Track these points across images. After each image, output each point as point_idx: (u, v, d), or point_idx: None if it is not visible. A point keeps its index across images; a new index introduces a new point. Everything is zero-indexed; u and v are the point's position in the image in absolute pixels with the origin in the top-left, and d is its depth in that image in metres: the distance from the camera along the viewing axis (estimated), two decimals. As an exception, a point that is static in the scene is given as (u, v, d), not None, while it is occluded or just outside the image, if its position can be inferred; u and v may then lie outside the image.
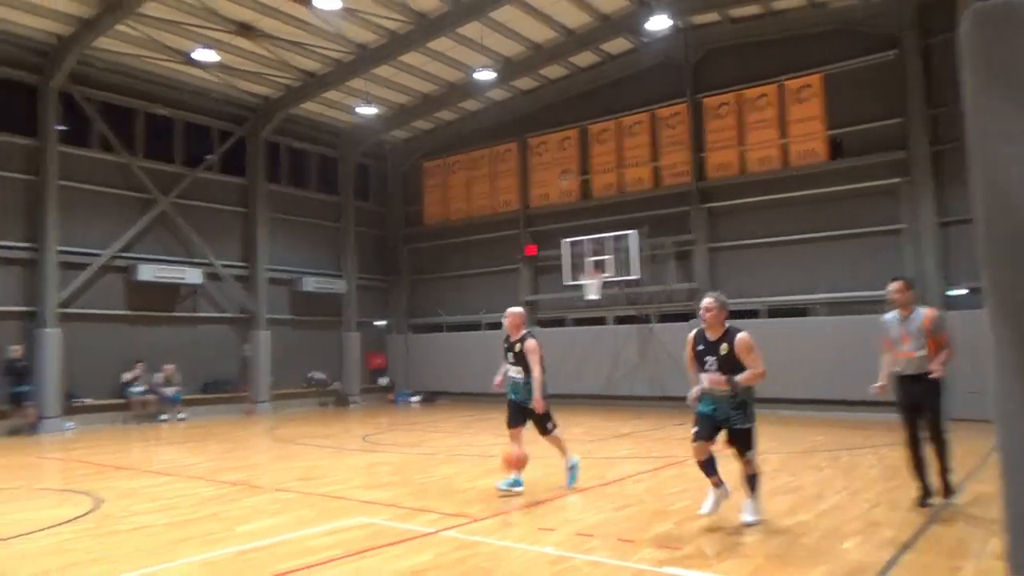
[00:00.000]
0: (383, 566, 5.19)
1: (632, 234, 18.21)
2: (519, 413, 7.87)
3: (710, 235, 18.44)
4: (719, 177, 18.33)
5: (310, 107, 21.22)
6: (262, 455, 12.31)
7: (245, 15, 16.37)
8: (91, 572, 5.16)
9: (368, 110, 20.62)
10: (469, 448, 8.18)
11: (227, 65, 18.35)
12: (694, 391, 6.19)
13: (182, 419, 17.81)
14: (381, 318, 24.66)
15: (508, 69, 19.60)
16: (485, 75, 18.61)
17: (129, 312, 18.19)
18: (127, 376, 17.53)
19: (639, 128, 19.71)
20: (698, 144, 18.66)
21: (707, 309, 6.17)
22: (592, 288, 18.39)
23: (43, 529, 6.58)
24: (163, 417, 17.65)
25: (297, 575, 5.02)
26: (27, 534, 6.42)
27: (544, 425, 7.80)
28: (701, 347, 6.21)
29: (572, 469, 7.96)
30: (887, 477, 8.25)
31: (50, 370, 16.08)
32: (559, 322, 21.06)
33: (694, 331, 6.36)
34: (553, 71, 20.49)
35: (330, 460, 10.93)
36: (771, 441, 11.83)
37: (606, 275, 18.24)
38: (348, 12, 16.28)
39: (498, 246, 22.17)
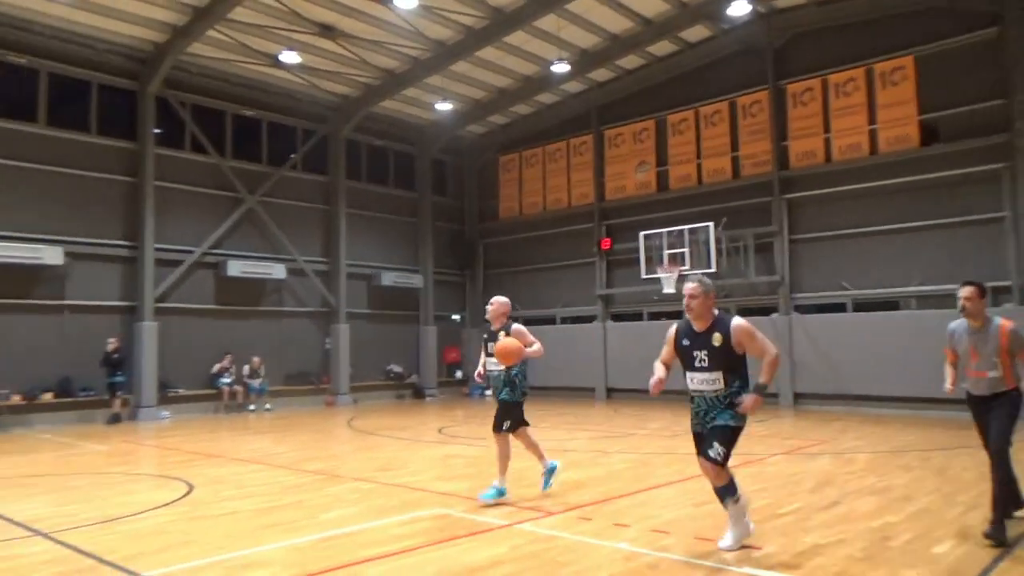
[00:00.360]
0: (460, 557, 5.27)
1: (710, 226, 17.83)
2: (504, 412, 7.19)
3: (792, 226, 17.87)
4: (802, 166, 17.72)
5: (388, 105, 21.61)
6: (343, 446, 12.67)
7: (327, 16, 16.80)
8: (185, 554, 5.42)
9: (444, 106, 20.86)
10: (543, 443, 8.15)
11: (310, 66, 18.89)
12: (655, 380, 5.34)
13: (268, 409, 18.50)
14: (457, 312, 24.96)
15: (584, 61, 19.47)
16: (561, 68, 18.53)
17: (219, 306, 19.01)
18: (216, 367, 18.33)
19: (718, 117, 19.26)
20: (780, 132, 18.08)
21: (691, 296, 5.21)
22: (669, 281, 18.10)
23: (142, 512, 6.96)
24: (251, 407, 18.38)
25: (377, 563, 5.15)
26: (128, 516, 6.80)
27: (501, 422, 7.11)
28: (687, 342, 5.30)
29: (549, 472, 7.33)
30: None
31: (147, 361, 16.98)
32: (635, 316, 20.84)
33: (675, 324, 5.51)
34: (630, 61, 20.23)
35: (407, 452, 11.16)
36: (858, 440, 11.41)
37: (683, 268, 17.92)
38: (425, 9, 16.50)
39: (573, 240, 22.10)
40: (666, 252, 18.37)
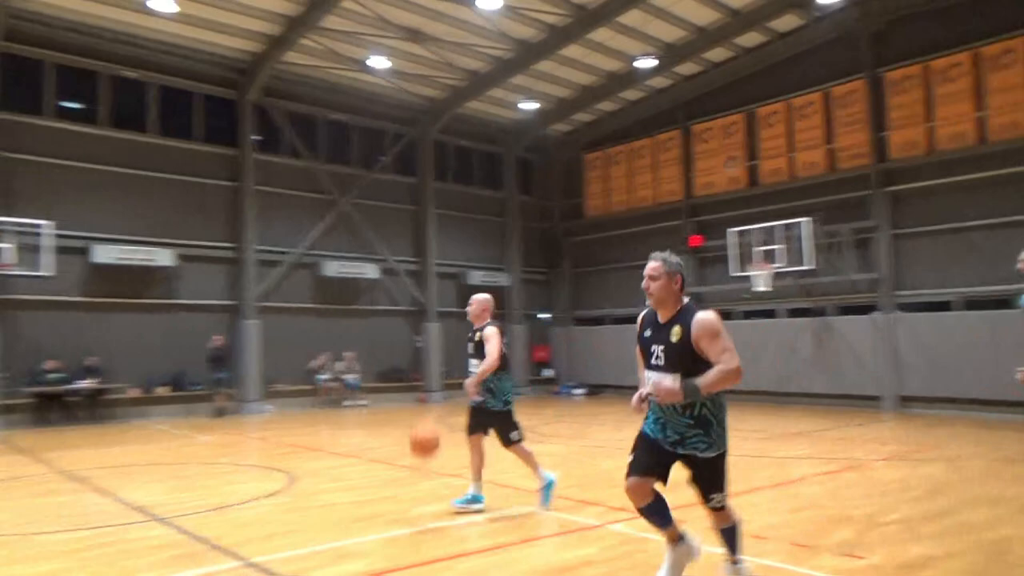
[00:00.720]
0: (550, 555, 5.31)
1: (804, 222, 17.20)
2: (478, 417, 6.78)
3: (894, 221, 17.04)
4: (903, 157, 16.87)
5: (474, 105, 21.87)
6: (434, 441, 12.88)
7: (413, 21, 17.16)
8: (287, 542, 5.67)
9: (529, 105, 20.95)
10: (630, 443, 8.18)
11: (398, 70, 19.33)
12: (636, 396, 4.25)
13: (363, 405, 19.08)
14: (544, 311, 25.03)
15: (670, 55, 19.16)
16: (646, 63, 18.30)
17: (316, 305, 19.73)
18: (314, 364, 19.03)
19: (811, 109, 18.56)
20: (878, 123, 17.27)
21: (650, 276, 4.17)
22: (761, 279, 17.59)
23: (247, 501, 7.33)
24: (346, 403, 19.00)
25: (468, 559, 5.25)
26: (234, 505, 7.17)
27: (506, 435, 6.68)
28: (648, 332, 4.25)
29: (547, 488, 6.73)
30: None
31: (251, 358, 17.83)
32: (726, 315, 20.35)
33: (644, 311, 4.42)
34: (717, 54, 19.77)
35: (498, 449, 11.26)
36: (968, 446, 10.81)
37: (776, 265, 17.38)
38: (509, 9, 16.62)
39: (660, 237, 21.75)
40: (758, 249, 17.86)
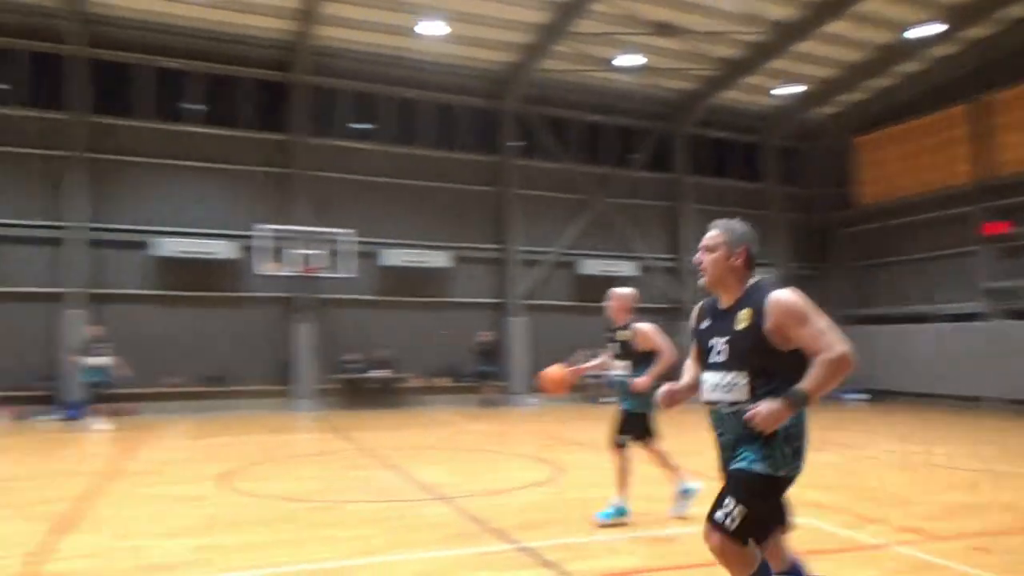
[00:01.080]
0: (827, 573, 4.99)
1: None
2: (626, 424, 6.32)
3: None
4: None
5: (729, 95, 21.09)
6: (709, 443, 12.67)
7: (662, 15, 17.00)
8: (557, 530, 5.95)
9: (790, 90, 19.74)
10: (922, 456, 7.29)
11: (648, 66, 19.27)
12: (666, 387, 3.63)
13: (620, 401, 19.32)
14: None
15: (955, 18, 16.90)
16: (926, 30, 16.30)
17: (575, 303, 20.39)
18: (574, 360, 19.63)
19: None
20: None
21: (706, 247, 3.37)
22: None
23: (517, 488, 7.81)
24: (604, 400, 19.35)
25: (738, 564, 5.11)
26: (505, 490, 7.68)
27: (645, 438, 6.33)
28: (706, 324, 3.39)
29: (685, 494, 6.35)
30: None
31: (517, 353, 18.97)
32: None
33: (700, 303, 3.58)
34: (1016, 10, 17.02)
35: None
36: None
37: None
38: (767, -9, 15.82)
39: (949, 225, 19.35)
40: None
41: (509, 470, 9.17)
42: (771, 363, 3.06)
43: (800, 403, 2.96)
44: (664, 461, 6.42)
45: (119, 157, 16.59)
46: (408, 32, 17.17)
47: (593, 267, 20.16)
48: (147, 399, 16.10)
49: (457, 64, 19.01)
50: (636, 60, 18.57)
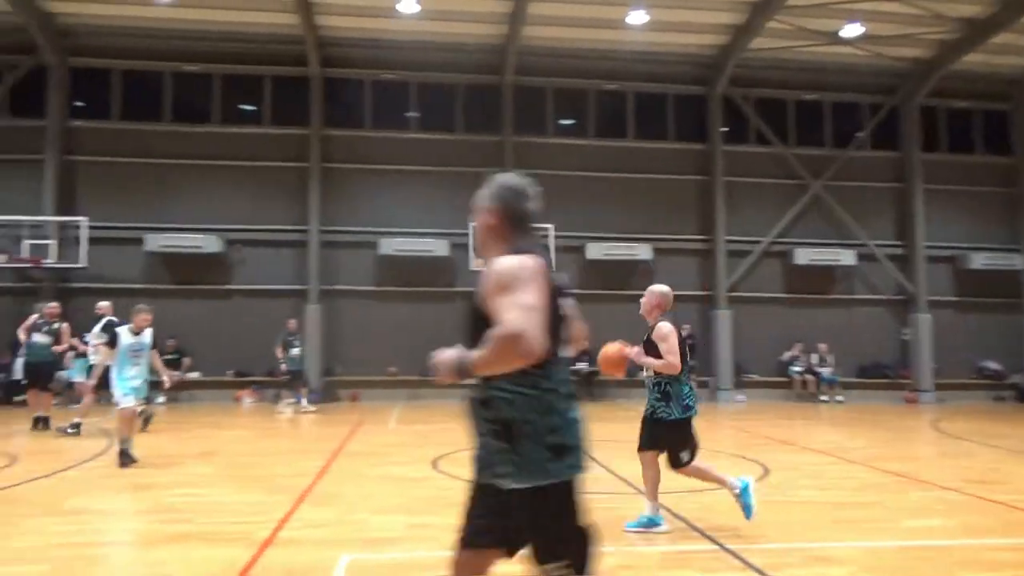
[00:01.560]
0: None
1: None
2: (651, 430, 5.83)
3: None
4: None
5: (971, 59, 18.72)
6: (926, 448, 11.55)
7: (891, -23, 15.50)
8: (761, 534, 5.66)
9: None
10: None
11: (873, 35, 17.66)
12: None
13: (840, 401, 17.99)
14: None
15: None
16: None
17: (787, 295, 19.25)
18: (787, 356, 18.59)
19: None
20: None
21: (473, 211, 2.93)
22: None
23: (719, 488, 7.52)
24: (822, 398, 18.12)
25: (974, 586, 4.59)
26: (709, 489, 7.42)
27: (676, 454, 5.75)
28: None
29: (742, 495, 5.70)
30: None
31: (722, 347, 18.28)
32: None
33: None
34: None
35: (1008, 464, 9.54)
36: None
37: None
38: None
39: None
40: None
41: (718, 468, 8.87)
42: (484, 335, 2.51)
43: (463, 369, 2.50)
44: (703, 474, 5.96)
45: (347, 165, 18.31)
46: (611, 24, 17.18)
47: (808, 256, 18.88)
48: (369, 386, 17.64)
49: (661, 52, 18.69)
50: (857, 30, 17.07)
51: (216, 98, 18.39)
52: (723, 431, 13.15)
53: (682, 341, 5.88)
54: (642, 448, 5.95)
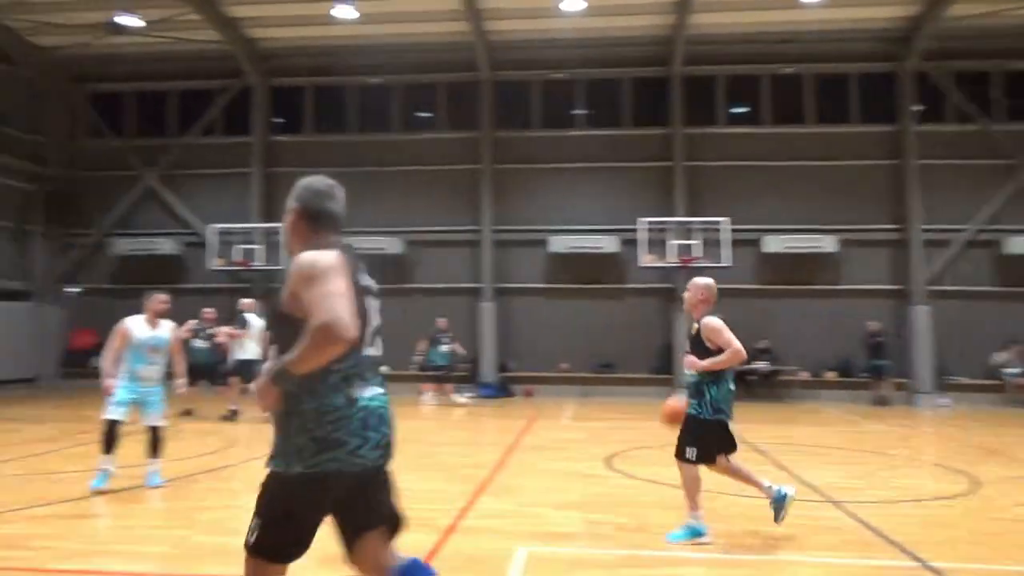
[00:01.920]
0: None
1: None
2: (687, 429, 5.48)
3: None
4: None
5: None
6: None
7: None
8: (972, 553, 5.14)
9: None
10: None
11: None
12: None
13: (1065, 407, 15.86)
14: None
15: None
16: None
17: (998, 288, 17.28)
18: (999, 357, 16.67)
19: None
20: None
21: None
22: None
23: (923, 499, 6.93)
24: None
25: None
26: (909, 500, 6.88)
27: (683, 448, 5.44)
28: None
29: (779, 501, 5.41)
30: None
31: (921, 346, 16.74)
32: None
33: None
34: None
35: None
36: None
37: None
38: None
39: None
40: None
41: (914, 477, 8.20)
42: (292, 336, 2.55)
43: (280, 378, 2.54)
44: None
45: (517, 165, 18.70)
46: (785, 3, 16.27)
47: (1022, 244, 16.80)
48: (542, 382, 17.90)
49: (842, 29, 17.42)
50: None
51: (395, 108, 19.48)
52: (925, 437, 12.07)
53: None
54: (677, 455, 5.64)
